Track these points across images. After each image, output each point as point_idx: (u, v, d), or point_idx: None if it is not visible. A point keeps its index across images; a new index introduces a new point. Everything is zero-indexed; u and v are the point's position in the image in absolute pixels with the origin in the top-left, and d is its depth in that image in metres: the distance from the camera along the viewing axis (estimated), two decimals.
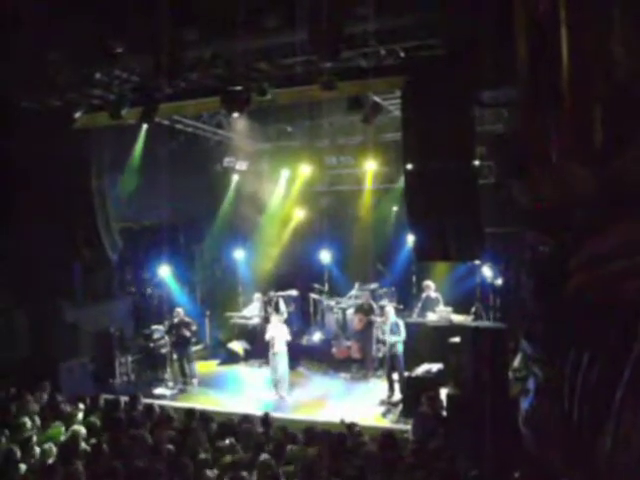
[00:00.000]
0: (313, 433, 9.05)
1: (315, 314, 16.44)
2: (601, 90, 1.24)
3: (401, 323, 13.08)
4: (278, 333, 13.62)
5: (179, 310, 14.83)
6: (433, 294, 14.86)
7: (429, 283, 15.05)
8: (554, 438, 1.36)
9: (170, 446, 8.38)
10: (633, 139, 1.15)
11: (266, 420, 9.73)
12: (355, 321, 14.69)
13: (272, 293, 16.40)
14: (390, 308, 13.58)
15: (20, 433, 8.88)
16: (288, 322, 14.63)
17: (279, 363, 13.41)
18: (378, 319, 14.05)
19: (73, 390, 12.02)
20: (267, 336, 13.77)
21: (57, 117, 11.55)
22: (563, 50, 1.26)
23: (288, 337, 13.75)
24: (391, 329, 12.95)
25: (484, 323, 13.14)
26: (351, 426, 9.35)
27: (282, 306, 15.81)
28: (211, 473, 7.58)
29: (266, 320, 15.78)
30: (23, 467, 7.88)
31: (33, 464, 8.08)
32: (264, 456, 7.88)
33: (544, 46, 1.32)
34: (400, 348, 12.86)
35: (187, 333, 14.46)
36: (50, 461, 8.04)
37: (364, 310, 14.36)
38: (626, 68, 1.19)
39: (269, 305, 16.07)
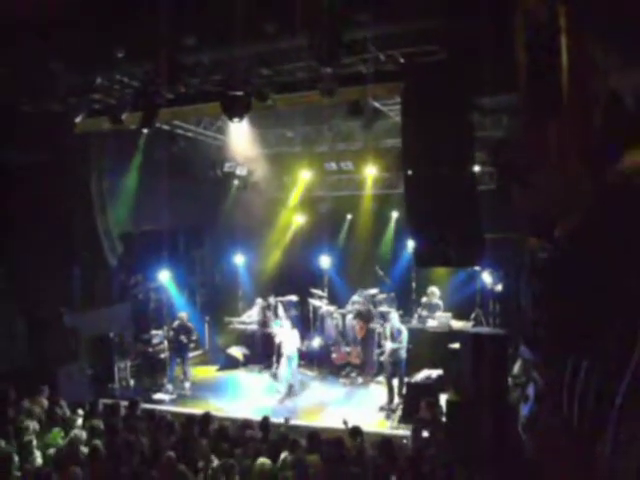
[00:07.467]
0: (316, 439, 8.99)
1: (315, 320, 16.43)
2: (600, 96, 1.25)
3: (404, 329, 13.07)
4: (287, 338, 13.90)
5: (182, 315, 14.84)
6: (437, 301, 14.92)
7: (434, 289, 15.08)
8: (554, 444, 1.37)
9: (170, 453, 8.34)
10: (631, 145, 1.16)
11: (265, 425, 9.69)
12: (356, 328, 14.71)
13: (272, 298, 16.45)
14: (395, 314, 13.56)
15: (19, 438, 8.85)
16: None
17: (287, 367, 13.65)
18: (378, 326, 14.02)
19: (72, 395, 11.95)
20: (277, 340, 14.29)
21: (58, 122, 11.56)
22: (563, 57, 1.27)
23: (297, 343, 14.11)
24: (392, 335, 12.92)
25: (484, 329, 13.11)
26: (353, 431, 9.29)
27: (281, 311, 15.90)
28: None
29: (264, 325, 15.97)
30: (20, 473, 7.86)
31: (32, 469, 8.05)
32: (262, 460, 7.86)
33: (544, 53, 1.33)
34: (402, 354, 12.84)
35: (184, 339, 14.46)
36: (49, 466, 8.02)
37: (363, 316, 14.35)
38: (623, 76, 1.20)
39: (268, 310, 16.14)
